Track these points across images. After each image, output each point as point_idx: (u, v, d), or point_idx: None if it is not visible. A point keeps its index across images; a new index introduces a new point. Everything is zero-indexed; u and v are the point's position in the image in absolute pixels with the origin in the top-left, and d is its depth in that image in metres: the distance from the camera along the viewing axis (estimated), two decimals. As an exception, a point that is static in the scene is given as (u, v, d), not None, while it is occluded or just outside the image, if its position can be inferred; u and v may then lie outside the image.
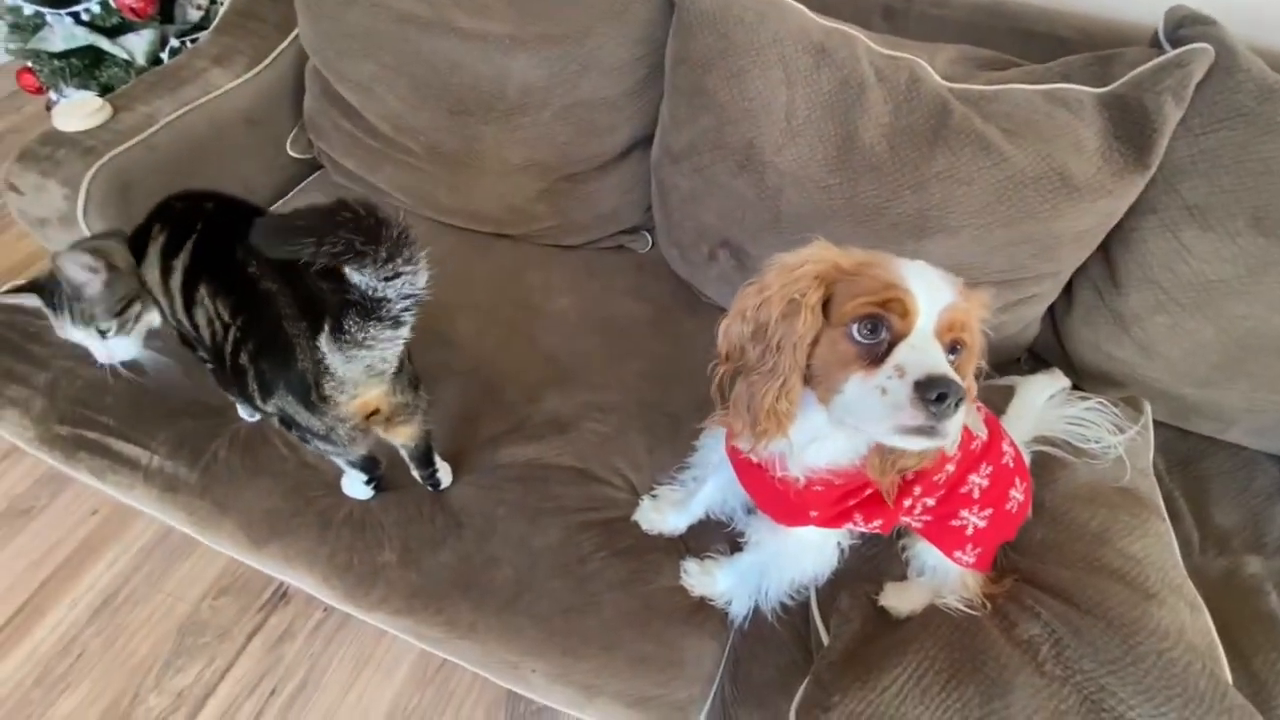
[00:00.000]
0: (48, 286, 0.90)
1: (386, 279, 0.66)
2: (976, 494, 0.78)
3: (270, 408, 0.82)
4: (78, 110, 1.19)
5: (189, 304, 0.84)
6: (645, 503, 0.99)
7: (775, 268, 0.63)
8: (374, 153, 1.33)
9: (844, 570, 0.86)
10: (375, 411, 0.82)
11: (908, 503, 0.74)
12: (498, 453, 1.04)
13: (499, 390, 1.10)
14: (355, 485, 0.97)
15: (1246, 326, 0.97)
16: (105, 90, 1.59)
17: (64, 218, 1.15)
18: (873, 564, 0.92)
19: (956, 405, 0.52)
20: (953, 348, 0.58)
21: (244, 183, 1.32)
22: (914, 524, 0.82)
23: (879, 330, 0.57)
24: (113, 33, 1.62)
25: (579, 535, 0.96)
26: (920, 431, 0.54)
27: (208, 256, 0.84)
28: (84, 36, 1.59)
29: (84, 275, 0.85)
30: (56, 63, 1.62)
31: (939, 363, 0.55)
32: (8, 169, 1.16)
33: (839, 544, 0.84)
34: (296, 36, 1.35)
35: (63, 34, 1.58)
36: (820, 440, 0.67)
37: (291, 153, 1.42)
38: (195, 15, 1.72)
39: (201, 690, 1.25)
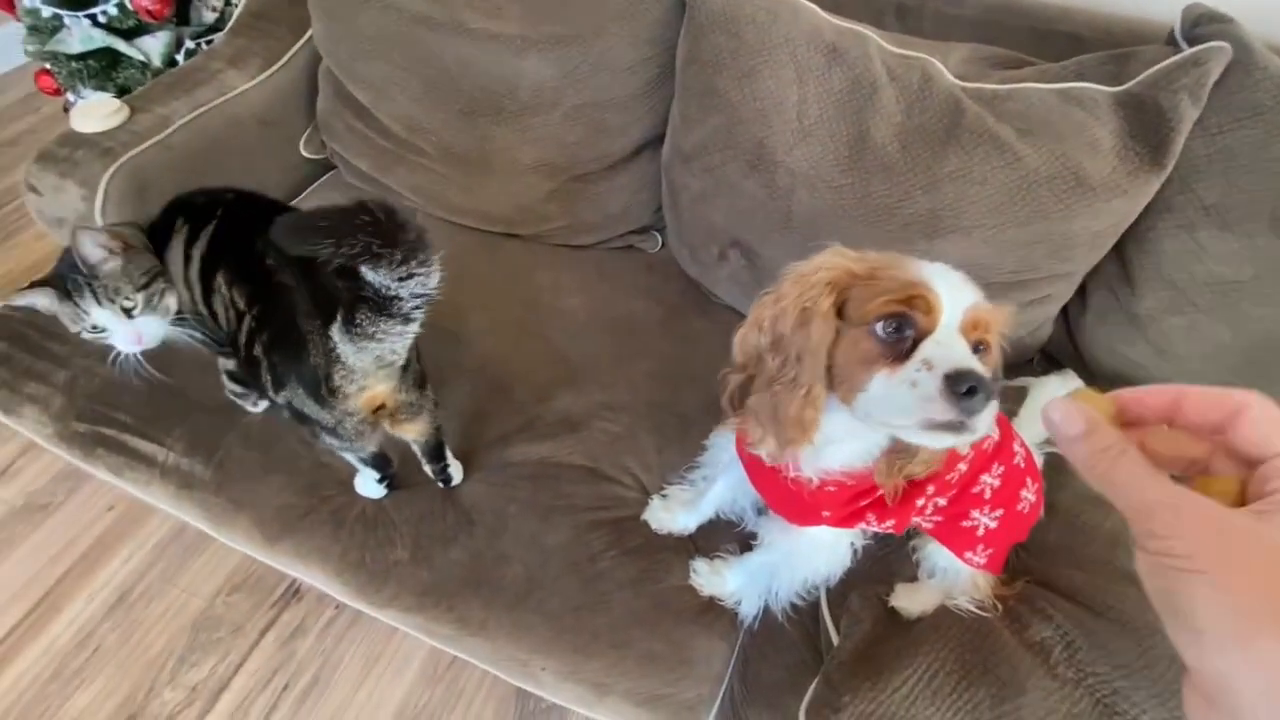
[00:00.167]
0: (60, 275, 0.87)
1: (400, 279, 0.67)
2: (988, 494, 0.77)
3: (281, 399, 0.83)
4: (95, 111, 1.20)
5: (207, 292, 0.86)
6: (655, 502, 0.99)
7: (790, 277, 0.63)
8: (386, 153, 1.34)
9: (854, 571, 0.86)
10: (381, 406, 0.83)
11: (920, 502, 0.74)
12: (508, 451, 1.04)
13: (509, 389, 1.11)
14: (368, 484, 0.98)
15: (1264, 329, 0.96)
16: (122, 92, 1.60)
17: (82, 218, 1.16)
18: (883, 565, 0.91)
19: (986, 400, 0.51)
20: (975, 347, 0.58)
21: (258, 183, 1.29)
22: (925, 525, 0.82)
23: (904, 327, 0.56)
24: (129, 35, 1.64)
25: (589, 534, 0.96)
26: (949, 428, 0.52)
27: (226, 246, 0.85)
28: (101, 38, 1.61)
29: (100, 253, 0.84)
30: (74, 64, 1.64)
31: (966, 357, 0.54)
32: (26, 170, 1.18)
33: (852, 544, 0.83)
34: (310, 38, 1.36)
35: (80, 36, 1.60)
36: (837, 443, 0.66)
37: (305, 153, 1.44)
38: (210, 17, 1.74)
39: (215, 685, 1.26)
